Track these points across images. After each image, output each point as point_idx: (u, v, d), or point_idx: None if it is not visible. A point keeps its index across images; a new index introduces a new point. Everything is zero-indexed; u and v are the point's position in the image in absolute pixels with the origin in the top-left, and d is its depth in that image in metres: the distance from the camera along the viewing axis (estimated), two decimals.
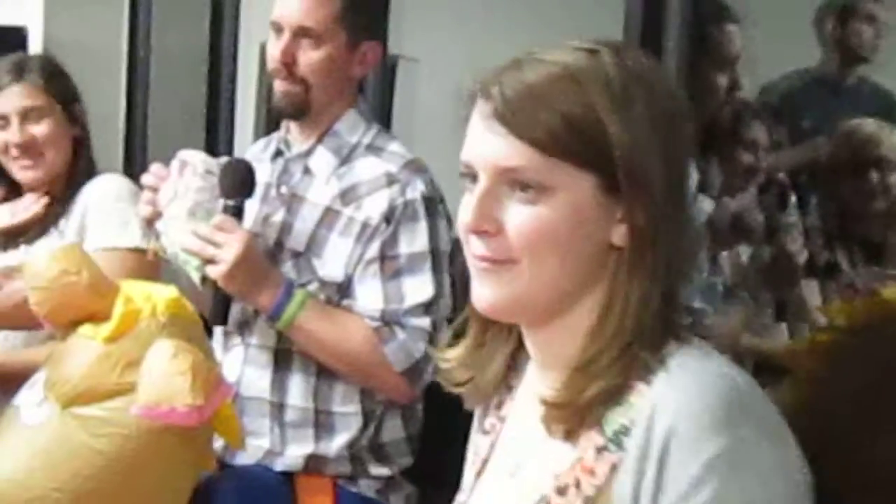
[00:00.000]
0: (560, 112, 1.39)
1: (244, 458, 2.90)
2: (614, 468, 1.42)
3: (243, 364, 2.92)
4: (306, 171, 2.89)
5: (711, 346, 1.48)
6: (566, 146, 1.40)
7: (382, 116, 4.71)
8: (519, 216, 1.43)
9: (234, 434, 2.73)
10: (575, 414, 1.44)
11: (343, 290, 2.79)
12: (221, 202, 2.76)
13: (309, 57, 2.80)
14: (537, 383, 1.53)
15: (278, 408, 2.87)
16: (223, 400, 2.58)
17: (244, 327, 2.92)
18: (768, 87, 4.85)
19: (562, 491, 1.46)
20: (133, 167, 4.79)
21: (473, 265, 1.48)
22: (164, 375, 2.52)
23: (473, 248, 1.47)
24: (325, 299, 2.79)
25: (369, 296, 2.76)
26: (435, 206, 2.79)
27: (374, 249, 2.76)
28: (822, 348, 3.05)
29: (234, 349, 2.94)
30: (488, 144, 1.43)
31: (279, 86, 2.84)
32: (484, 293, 1.47)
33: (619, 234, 1.44)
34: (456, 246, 2.67)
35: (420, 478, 2.92)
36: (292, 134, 2.94)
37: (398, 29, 4.70)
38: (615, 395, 1.43)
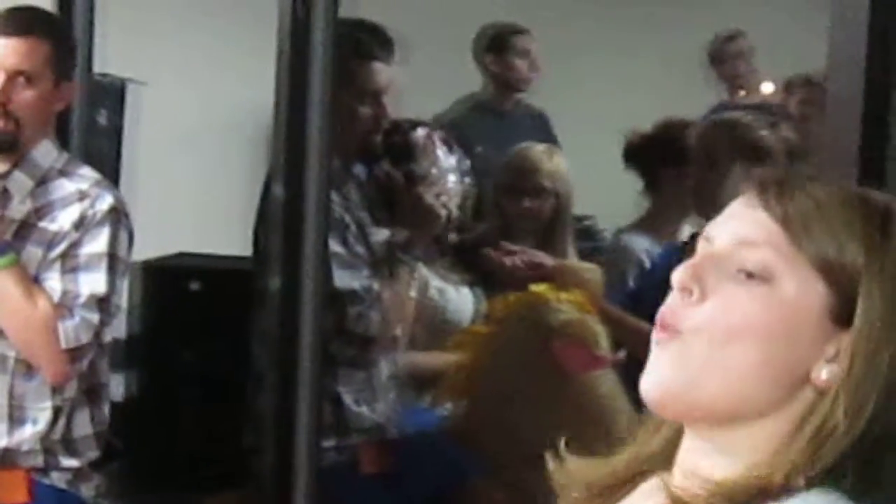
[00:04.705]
0: (831, 233, 1.25)
1: None
2: None
3: None
4: (4, 191, 3.14)
5: None
6: (817, 249, 1.26)
7: (113, 136, 5.02)
8: (730, 291, 1.26)
9: None
10: None
11: None
12: None
13: (23, 96, 3.11)
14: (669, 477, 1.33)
15: None
16: None
17: None
18: (440, 116, 5.08)
19: None
20: None
21: (652, 342, 1.29)
22: None
23: (661, 314, 1.29)
24: None
25: (49, 286, 3.05)
26: (119, 217, 3.10)
27: (59, 249, 3.06)
28: (481, 338, 3.41)
29: None
30: (741, 221, 1.29)
31: None
32: (651, 373, 1.28)
33: (821, 372, 1.24)
34: None
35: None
36: None
37: (129, 53, 4.99)
38: None
